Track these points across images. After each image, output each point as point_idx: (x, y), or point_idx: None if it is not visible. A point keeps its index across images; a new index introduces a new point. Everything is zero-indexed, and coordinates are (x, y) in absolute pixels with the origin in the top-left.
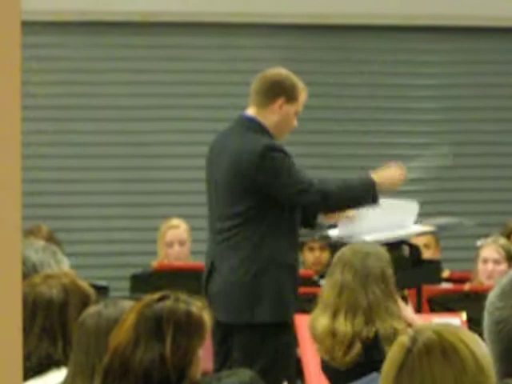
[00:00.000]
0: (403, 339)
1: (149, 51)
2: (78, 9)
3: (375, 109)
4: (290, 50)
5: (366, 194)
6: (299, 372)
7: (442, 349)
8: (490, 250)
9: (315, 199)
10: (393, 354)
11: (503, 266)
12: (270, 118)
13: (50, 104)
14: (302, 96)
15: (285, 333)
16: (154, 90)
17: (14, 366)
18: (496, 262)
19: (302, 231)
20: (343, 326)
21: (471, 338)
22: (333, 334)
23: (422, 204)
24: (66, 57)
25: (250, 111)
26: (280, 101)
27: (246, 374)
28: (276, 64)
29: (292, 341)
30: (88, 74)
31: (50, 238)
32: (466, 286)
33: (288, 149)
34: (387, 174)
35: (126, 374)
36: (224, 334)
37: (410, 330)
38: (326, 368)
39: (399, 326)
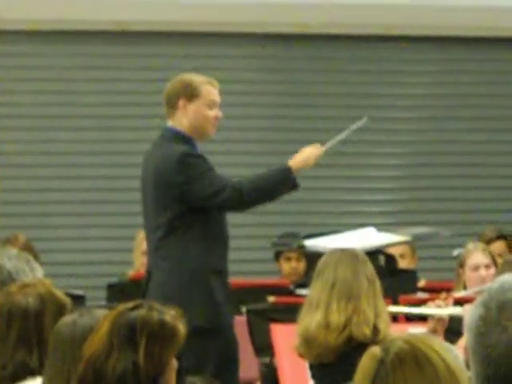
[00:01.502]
0: (374, 350)
1: (126, 60)
2: (53, 18)
3: (358, 119)
4: (270, 60)
5: (281, 181)
6: (275, 382)
7: (414, 358)
8: (478, 256)
9: (231, 196)
10: (365, 365)
11: (492, 270)
12: (181, 122)
13: (27, 113)
14: (206, 88)
15: (220, 338)
16: (131, 99)
17: None
18: (487, 266)
19: (279, 241)
20: (336, 314)
21: (440, 345)
22: (326, 326)
23: (397, 213)
24: (41, 66)
25: (169, 122)
26: (180, 103)
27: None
28: (252, 74)
29: (231, 344)
30: (64, 83)
31: (27, 248)
32: (442, 295)
33: (261, 158)
34: (301, 155)
35: (99, 383)
36: None
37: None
38: (315, 372)
39: (381, 325)
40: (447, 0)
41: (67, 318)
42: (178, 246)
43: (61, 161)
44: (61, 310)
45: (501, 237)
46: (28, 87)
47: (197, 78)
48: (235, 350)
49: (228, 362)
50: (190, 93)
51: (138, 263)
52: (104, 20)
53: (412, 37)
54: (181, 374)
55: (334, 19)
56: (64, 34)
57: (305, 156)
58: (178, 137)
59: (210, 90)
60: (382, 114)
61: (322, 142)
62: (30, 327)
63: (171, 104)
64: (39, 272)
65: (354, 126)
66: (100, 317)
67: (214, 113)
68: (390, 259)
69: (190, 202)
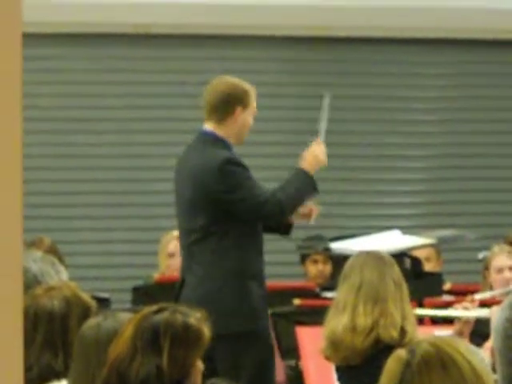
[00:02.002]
0: (400, 352)
1: (148, 63)
2: (75, 20)
3: (374, 121)
4: (287, 63)
5: (307, 187)
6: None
7: (440, 361)
8: (502, 258)
9: (273, 209)
10: (391, 368)
11: None
12: (230, 129)
13: (50, 116)
14: (253, 98)
15: (258, 342)
16: (152, 102)
17: (15, 378)
18: (511, 269)
19: (305, 244)
20: (363, 317)
21: (466, 348)
22: (353, 328)
23: (422, 216)
24: (64, 69)
25: (208, 126)
26: (237, 111)
27: None
28: (275, 76)
29: (268, 350)
30: (87, 86)
31: (52, 250)
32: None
33: (290, 161)
34: (308, 156)
35: None
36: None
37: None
38: (342, 375)
39: (409, 327)
40: (462, 2)
41: (92, 321)
42: (214, 250)
43: (85, 164)
44: (86, 313)
45: None
46: (50, 90)
47: (248, 86)
48: (271, 354)
49: (264, 367)
50: (246, 101)
51: (163, 266)
52: (127, 23)
53: (428, 39)
54: (205, 376)
55: (353, 22)
56: (86, 37)
57: (313, 156)
58: (220, 142)
59: (254, 99)
60: (406, 117)
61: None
62: (56, 330)
63: (225, 109)
64: (64, 275)
65: (325, 106)
66: (124, 320)
67: (251, 122)
68: (416, 262)
69: (228, 208)
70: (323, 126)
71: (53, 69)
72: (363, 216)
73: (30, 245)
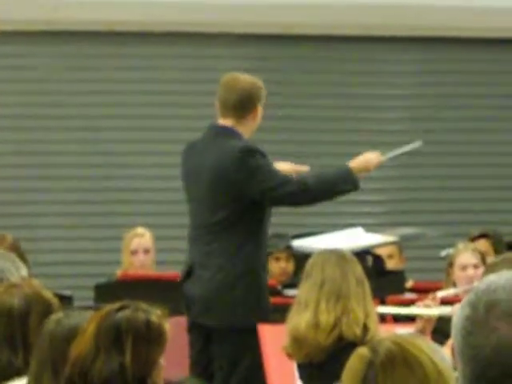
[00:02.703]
0: (362, 351)
1: (113, 61)
2: (42, 18)
3: (340, 119)
4: (254, 60)
5: (343, 181)
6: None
7: (403, 359)
8: (466, 255)
9: (294, 189)
10: (353, 366)
11: (481, 270)
12: (248, 126)
13: (13, 113)
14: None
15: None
16: (118, 99)
17: None
18: (475, 266)
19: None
20: (325, 314)
21: (428, 346)
22: (316, 325)
23: (385, 214)
24: (29, 66)
25: (226, 122)
26: (258, 108)
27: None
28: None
29: None
30: (52, 84)
31: (15, 248)
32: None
33: None
34: (362, 158)
35: None
36: (204, 342)
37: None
38: (304, 372)
39: (371, 324)
40: (430, 0)
41: (51, 318)
42: (231, 242)
43: (47, 161)
44: (48, 310)
45: (484, 235)
46: (15, 88)
47: (261, 83)
48: None
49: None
50: (263, 98)
51: (126, 263)
52: (92, 20)
53: (395, 37)
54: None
55: (319, 20)
56: (52, 35)
57: (366, 160)
58: (235, 134)
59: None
60: (369, 115)
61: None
62: (15, 327)
63: (246, 106)
64: (24, 271)
65: (410, 147)
66: (84, 317)
67: None
68: (378, 260)
69: (250, 196)
70: (395, 154)
71: (18, 66)
72: (326, 213)
73: None
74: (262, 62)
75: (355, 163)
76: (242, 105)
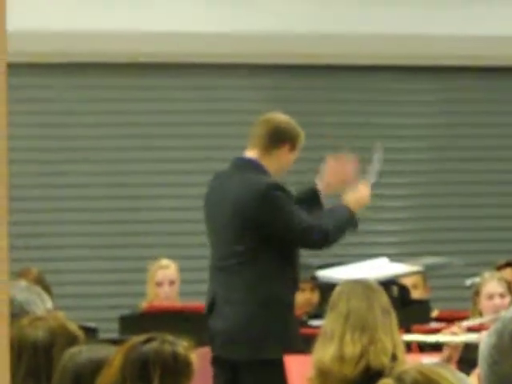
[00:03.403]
0: (387, 381)
1: (133, 92)
2: (60, 50)
3: (355, 149)
4: (272, 91)
5: (349, 222)
6: None
7: None
8: (493, 284)
9: (318, 238)
10: None
11: (507, 299)
12: (272, 162)
13: (31, 146)
14: (301, 145)
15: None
16: (138, 130)
17: None
18: (501, 295)
19: None
20: (351, 346)
21: (452, 375)
22: (341, 357)
23: (410, 244)
24: (49, 98)
25: (251, 154)
26: (285, 148)
27: None
28: (259, 104)
29: None
30: (70, 116)
31: (40, 280)
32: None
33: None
34: (357, 195)
35: None
36: (229, 375)
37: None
38: None
39: (399, 353)
40: (448, 29)
41: (69, 352)
42: (253, 276)
43: (70, 193)
44: (73, 343)
45: (511, 264)
46: (31, 120)
47: (301, 132)
48: None
49: None
50: (295, 143)
51: (151, 295)
52: (111, 52)
53: (409, 66)
54: None
55: (333, 50)
56: (71, 67)
57: (361, 196)
58: (261, 168)
59: (301, 146)
60: (391, 144)
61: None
62: (39, 360)
63: (275, 142)
64: (49, 304)
65: (377, 156)
66: (103, 350)
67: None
68: (403, 290)
69: (273, 233)
70: (375, 169)
71: (38, 98)
72: (351, 244)
73: (18, 275)
74: (276, 92)
75: (352, 202)
76: (270, 138)
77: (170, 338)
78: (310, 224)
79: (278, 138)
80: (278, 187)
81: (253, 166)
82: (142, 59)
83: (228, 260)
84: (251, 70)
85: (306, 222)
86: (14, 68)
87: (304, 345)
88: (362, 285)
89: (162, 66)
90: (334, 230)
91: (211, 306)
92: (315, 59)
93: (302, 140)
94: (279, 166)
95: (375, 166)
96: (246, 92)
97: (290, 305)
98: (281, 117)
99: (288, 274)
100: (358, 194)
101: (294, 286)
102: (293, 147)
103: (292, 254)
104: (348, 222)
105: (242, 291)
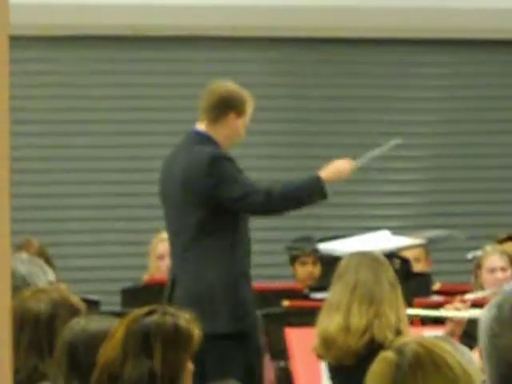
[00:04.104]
0: (387, 355)
1: (138, 65)
2: (66, 23)
3: (371, 122)
4: (282, 64)
5: (310, 190)
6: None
7: (431, 361)
8: (494, 258)
9: (260, 200)
10: (380, 370)
11: (509, 273)
12: (220, 132)
13: (38, 119)
14: (250, 108)
15: (248, 342)
16: (143, 104)
17: (4, 379)
18: (503, 269)
19: (294, 245)
20: (357, 317)
21: (453, 347)
22: (347, 328)
23: (412, 217)
24: (55, 71)
25: (201, 126)
26: (231, 116)
27: None
28: (264, 77)
29: (256, 350)
30: (77, 89)
31: (41, 253)
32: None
33: (276, 162)
34: (332, 166)
35: None
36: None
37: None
38: (335, 374)
39: (403, 327)
40: (461, 2)
41: (70, 324)
42: (206, 249)
43: (74, 166)
44: (75, 315)
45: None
46: (40, 93)
47: (246, 94)
48: (259, 355)
49: (252, 367)
50: (241, 109)
51: (153, 268)
52: (117, 24)
53: (425, 40)
54: (203, 378)
55: (343, 23)
56: (77, 39)
57: (337, 168)
58: (208, 140)
59: (251, 111)
60: (397, 117)
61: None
62: (42, 332)
63: (217, 112)
64: (51, 275)
65: (387, 146)
66: (104, 322)
67: (244, 134)
68: (405, 262)
69: (218, 203)
70: (369, 156)
71: (44, 71)
72: (352, 217)
73: (19, 247)
74: (286, 66)
75: (326, 172)
76: (215, 109)
77: (171, 310)
78: (253, 190)
79: (222, 107)
80: (221, 156)
81: (201, 138)
82: (147, 32)
83: (180, 235)
84: (259, 43)
85: (250, 188)
86: (18, 41)
87: (306, 317)
88: (369, 257)
89: (168, 39)
90: (284, 196)
91: (173, 285)
92: (320, 32)
93: (249, 104)
94: (228, 134)
95: (375, 152)
96: (253, 65)
97: (242, 276)
98: (224, 85)
99: (239, 244)
100: (334, 167)
101: (246, 256)
102: (239, 114)
103: (241, 224)
104: (309, 191)
105: (195, 265)
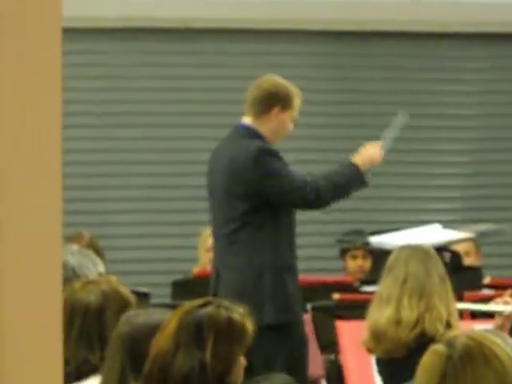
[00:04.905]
0: (438, 347)
1: (186, 58)
2: (115, 15)
3: (415, 116)
4: (323, 57)
5: (353, 179)
6: (341, 379)
7: (481, 353)
8: None
9: (309, 194)
10: (431, 362)
11: None
12: (266, 126)
13: (86, 111)
14: (297, 102)
15: (292, 334)
16: (190, 96)
17: (55, 372)
18: None
19: (344, 238)
20: (408, 310)
21: (503, 340)
22: (398, 321)
23: (463, 211)
24: (103, 63)
25: (247, 120)
26: (275, 110)
27: (281, 378)
28: (306, 70)
29: (301, 343)
30: (124, 81)
31: (92, 245)
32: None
33: (316, 155)
34: (366, 152)
35: (165, 381)
36: None
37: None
38: (383, 368)
39: (453, 321)
40: None
41: (123, 317)
42: (251, 241)
43: (126, 158)
44: (125, 307)
45: None
46: (90, 85)
47: (293, 89)
48: (304, 347)
49: (297, 360)
50: (287, 103)
51: (203, 260)
52: (165, 17)
53: (467, 34)
54: (250, 371)
55: (388, 16)
56: (125, 32)
57: (370, 154)
58: (254, 134)
59: (298, 105)
60: (446, 111)
61: (376, 140)
62: (91, 324)
63: (263, 106)
64: (101, 267)
65: (397, 122)
66: (156, 316)
67: (291, 128)
68: (456, 256)
69: (264, 198)
70: (390, 134)
71: (94, 63)
72: (403, 210)
73: (70, 239)
74: (330, 59)
75: (361, 160)
76: (260, 103)
77: (226, 303)
78: (300, 184)
79: (268, 101)
80: (268, 150)
81: (247, 132)
82: (193, 25)
83: (224, 227)
84: (302, 37)
85: (298, 182)
86: (69, 33)
87: (357, 311)
88: (419, 250)
89: (213, 31)
90: (331, 189)
91: (217, 278)
92: (363, 26)
93: (296, 98)
94: (274, 128)
95: (392, 131)
96: (291, 58)
97: (287, 268)
98: (271, 79)
99: (283, 237)
100: (367, 153)
101: (291, 249)
102: (285, 108)
103: (287, 218)
104: (353, 182)
105: (239, 258)
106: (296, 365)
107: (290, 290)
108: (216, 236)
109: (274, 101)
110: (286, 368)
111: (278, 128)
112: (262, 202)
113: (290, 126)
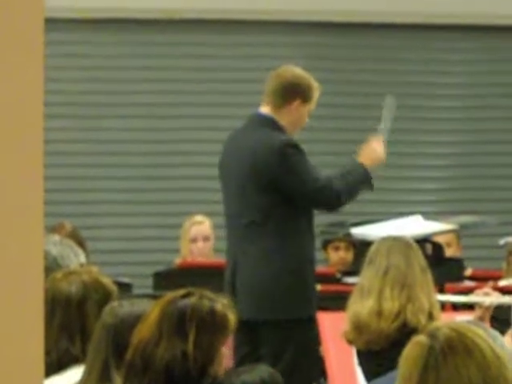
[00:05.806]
0: (420, 338)
1: (172, 48)
2: (101, 6)
3: (399, 107)
4: (310, 48)
5: (364, 182)
6: (322, 369)
7: (463, 345)
8: None
9: (331, 197)
10: (413, 354)
11: None
12: (284, 117)
13: (74, 101)
14: (316, 95)
15: (310, 328)
16: (178, 87)
17: (36, 362)
18: None
19: (326, 229)
20: (390, 301)
21: (485, 332)
22: (379, 312)
23: (444, 202)
24: (90, 54)
25: (265, 109)
26: (296, 102)
27: (264, 370)
28: (296, 62)
29: (317, 336)
30: (115, 71)
31: (74, 235)
32: (489, 284)
33: (312, 146)
34: (371, 153)
35: (147, 370)
36: (249, 334)
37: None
38: (364, 359)
39: (435, 312)
40: None
41: (107, 308)
42: (271, 234)
43: (108, 149)
44: (107, 298)
45: None
46: (75, 75)
47: (313, 82)
48: (317, 341)
49: (308, 353)
50: (307, 96)
51: (185, 251)
52: (150, 8)
53: (454, 25)
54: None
55: (376, 8)
56: (111, 23)
57: (374, 152)
58: (273, 123)
59: (316, 98)
60: (429, 103)
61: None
62: (73, 315)
63: (284, 98)
64: (82, 257)
65: (388, 109)
66: (140, 307)
67: (306, 118)
68: (437, 247)
69: (285, 191)
70: (386, 125)
71: (79, 54)
72: (385, 202)
73: (51, 230)
74: (317, 50)
75: (365, 158)
76: (281, 94)
77: (208, 294)
78: (323, 184)
79: (288, 93)
80: (293, 144)
81: (266, 120)
82: (181, 16)
83: (241, 218)
84: (293, 27)
85: (320, 182)
86: (53, 23)
87: (338, 302)
88: (401, 241)
89: (201, 22)
90: (347, 191)
91: (234, 269)
92: (354, 17)
93: (315, 90)
94: (293, 120)
95: (388, 122)
96: (287, 49)
97: (308, 262)
98: (291, 70)
99: (305, 230)
100: (373, 152)
101: (312, 242)
102: (305, 100)
103: (308, 209)
104: (362, 181)
105: (258, 250)
106: (304, 358)
107: (312, 284)
108: (231, 226)
109: (295, 93)
110: (294, 361)
111: (296, 121)
112: (283, 195)
113: (306, 119)
